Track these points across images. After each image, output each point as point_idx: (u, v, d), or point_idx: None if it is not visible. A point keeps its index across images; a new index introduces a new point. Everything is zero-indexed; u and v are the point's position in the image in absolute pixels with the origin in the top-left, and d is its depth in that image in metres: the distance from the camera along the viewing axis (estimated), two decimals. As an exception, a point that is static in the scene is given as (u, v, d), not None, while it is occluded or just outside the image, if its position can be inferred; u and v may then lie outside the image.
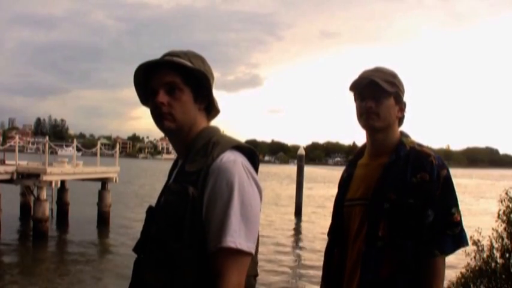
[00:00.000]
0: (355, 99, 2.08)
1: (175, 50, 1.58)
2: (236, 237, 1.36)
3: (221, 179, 1.40)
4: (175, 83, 1.52)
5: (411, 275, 1.90)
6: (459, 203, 1.98)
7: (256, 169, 1.51)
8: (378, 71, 2.05)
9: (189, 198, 1.41)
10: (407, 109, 2.11)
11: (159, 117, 1.53)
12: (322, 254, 2.23)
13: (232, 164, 1.42)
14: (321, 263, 2.23)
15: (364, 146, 2.17)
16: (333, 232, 2.17)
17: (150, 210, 1.61)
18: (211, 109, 1.61)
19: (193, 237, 1.40)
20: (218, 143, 1.49)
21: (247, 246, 1.38)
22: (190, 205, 1.41)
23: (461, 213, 1.97)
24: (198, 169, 1.45)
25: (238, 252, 1.37)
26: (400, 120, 2.10)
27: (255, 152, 1.53)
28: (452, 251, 1.94)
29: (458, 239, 1.94)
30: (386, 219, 1.92)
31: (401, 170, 1.95)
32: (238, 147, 1.50)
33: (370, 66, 2.11)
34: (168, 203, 1.48)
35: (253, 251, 1.41)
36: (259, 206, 1.46)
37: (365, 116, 2.02)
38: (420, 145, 2.04)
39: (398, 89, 2.04)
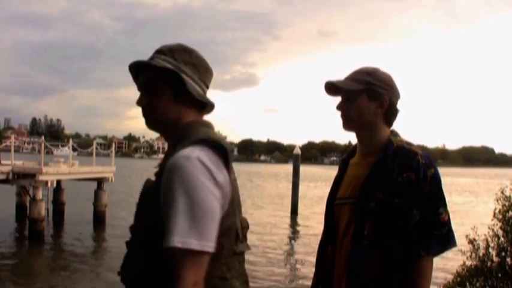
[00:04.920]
0: None
1: (164, 46, 1.57)
2: (185, 237, 1.28)
3: (172, 175, 1.33)
4: (151, 83, 1.52)
5: (398, 274, 1.88)
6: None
7: (226, 164, 1.42)
8: (354, 70, 2.05)
9: (149, 197, 1.45)
10: (401, 107, 2.05)
11: (144, 118, 1.56)
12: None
13: (184, 159, 1.34)
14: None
15: (356, 145, 2.17)
16: (325, 230, 2.16)
17: None
18: (203, 103, 1.57)
19: (153, 234, 1.37)
20: (188, 137, 1.43)
21: (199, 244, 1.29)
22: (150, 203, 1.42)
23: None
24: (161, 165, 1.45)
25: (190, 252, 1.28)
26: (387, 116, 2.02)
27: (224, 146, 1.42)
28: (439, 252, 1.91)
29: (445, 239, 1.90)
30: (372, 218, 1.89)
31: (388, 169, 1.91)
32: (204, 140, 1.41)
33: (367, 65, 2.10)
34: (138, 201, 1.51)
35: (209, 250, 1.31)
36: (217, 202, 1.36)
37: (341, 121, 2.06)
38: (409, 143, 1.99)
39: (371, 84, 1.97)
